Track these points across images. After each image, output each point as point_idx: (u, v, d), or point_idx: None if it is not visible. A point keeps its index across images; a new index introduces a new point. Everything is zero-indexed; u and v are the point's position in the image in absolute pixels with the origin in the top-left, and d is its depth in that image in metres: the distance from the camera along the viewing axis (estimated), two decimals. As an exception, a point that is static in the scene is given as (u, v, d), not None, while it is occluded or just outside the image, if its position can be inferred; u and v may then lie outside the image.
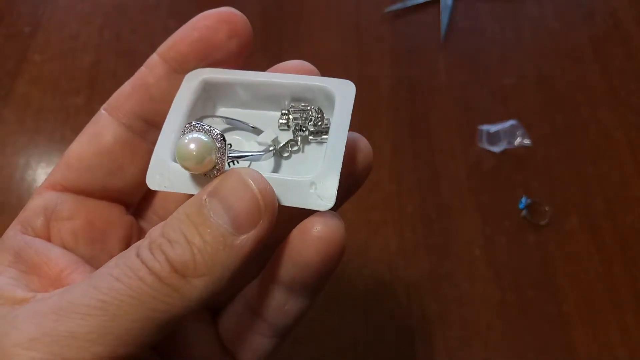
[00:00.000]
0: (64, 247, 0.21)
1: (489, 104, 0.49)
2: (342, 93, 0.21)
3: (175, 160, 0.19)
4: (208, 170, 0.18)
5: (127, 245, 0.22)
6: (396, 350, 0.39)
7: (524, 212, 0.43)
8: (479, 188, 0.45)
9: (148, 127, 0.22)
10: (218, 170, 0.18)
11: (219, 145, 0.17)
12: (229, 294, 0.23)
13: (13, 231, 0.20)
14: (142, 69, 0.21)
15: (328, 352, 0.39)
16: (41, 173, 0.46)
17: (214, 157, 0.17)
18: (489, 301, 0.40)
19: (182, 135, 0.18)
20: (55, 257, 0.20)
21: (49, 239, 0.21)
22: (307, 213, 0.19)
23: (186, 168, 0.17)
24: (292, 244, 0.19)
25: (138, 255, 0.16)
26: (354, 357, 0.38)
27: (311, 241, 0.18)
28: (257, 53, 0.50)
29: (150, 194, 0.24)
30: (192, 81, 0.21)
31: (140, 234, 0.23)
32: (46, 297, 0.17)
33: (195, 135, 0.17)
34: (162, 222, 0.17)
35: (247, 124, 0.22)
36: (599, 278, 0.41)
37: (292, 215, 0.19)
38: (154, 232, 0.17)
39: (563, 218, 0.43)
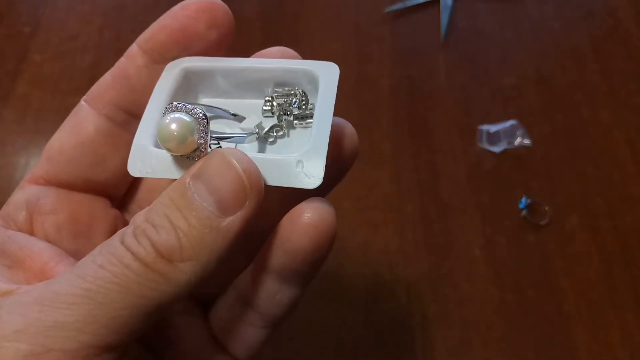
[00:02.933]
0: (48, 241, 0.20)
1: (489, 104, 0.49)
2: (325, 75, 0.20)
3: (157, 146, 0.19)
4: (190, 152, 0.17)
5: None
6: (396, 350, 0.39)
7: (524, 212, 0.43)
8: (479, 188, 0.45)
9: (129, 118, 0.21)
10: (201, 152, 0.17)
11: (201, 125, 0.17)
12: (219, 286, 0.23)
13: None
14: (122, 59, 0.21)
15: (328, 352, 0.39)
16: (41, 173, 0.46)
17: (196, 137, 0.17)
18: (489, 301, 0.40)
19: (163, 116, 0.17)
20: (39, 250, 0.19)
21: (32, 233, 0.20)
22: (297, 200, 0.18)
23: (168, 149, 0.17)
24: (282, 231, 0.18)
25: (122, 242, 0.16)
26: (354, 357, 0.38)
27: (302, 227, 0.18)
28: (257, 53, 0.50)
29: (135, 186, 0.24)
30: (173, 70, 0.20)
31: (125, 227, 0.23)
32: (30, 289, 0.17)
33: (176, 115, 0.17)
34: (146, 208, 0.17)
35: (228, 112, 0.21)
36: (599, 278, 0.41)
37: (282, 203, 0.19)
38: (138, 218, 0.17)
39: (563, 218, 0.43)
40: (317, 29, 0.53)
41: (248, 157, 0.17)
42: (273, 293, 0.20)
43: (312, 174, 0.18)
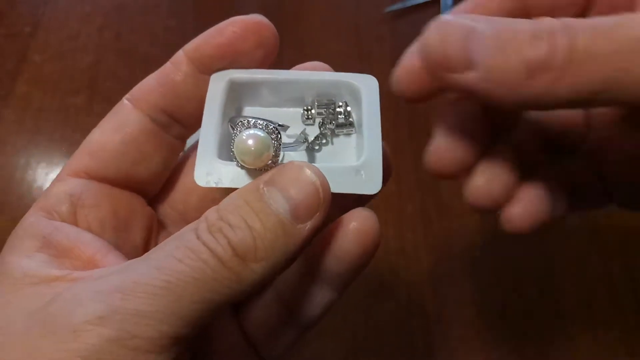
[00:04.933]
0: (91, 233, 0.21)
1: (489, 104, 0.49)
2: (367, 87, 0.22)
3: (220, 158, 0.20)
4: (264, 165, 0.19)
5: (148, 235, 0.23)
6: (396, 350, 0.39)
7: (524, 212, 0.43)
8: (479, 188, 0.45)
9: (171, 121, 0.22)
10: (273, 163, 0.19)
11: (274, 140, 0.18)
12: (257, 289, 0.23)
13: (35, 217, 0.20)
14: (168, 64, 0.22)
15: (328, 352, 0.39)
16: (41, 173, 0.46)
17: (271, 151, 0.18)
18: (489, 301, 0.40)
19: (238, 131, 0.18)
20: (87, 241, 0.20)
21: (75, 225, 0.21)
22: (340, 208, 0.20)
23: (244, 163, 0.18)
24: (332, 236, 0.20)
25: (199, 238, 0.17)
26: (354, 356, 0.38)
27: (352, 233, 0.19)
28: (257, 53, 0.50)
29: (165, 188, 0.24)
30: (220, 82, 0.21)
31: (159, 226, 0.24)
32: (101, 274, 0.17)
33: (252, 131, 0.18)
34: (215, 207, 0.18)
35: (275, 123, 0.22)
36: (599, 278, 0.41)
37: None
38: (211, 216, 0.17)
39: (563, 218, 0.43)
40: (317, 29, 0.53)
41: (319, 170, 0.18)
42: (314, 296, 0.21)
43: (372, 181, 0.20)
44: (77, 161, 0.22)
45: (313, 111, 0.22)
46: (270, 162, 0.19)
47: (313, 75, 0.22)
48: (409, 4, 0.54)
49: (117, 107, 0.22)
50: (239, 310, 0.23)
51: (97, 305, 0.16)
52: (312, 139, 0.22)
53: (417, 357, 0.38)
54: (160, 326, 0.16)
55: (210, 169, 0.20)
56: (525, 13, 0.21)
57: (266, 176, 0.18)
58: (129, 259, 0.20)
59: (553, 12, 0.20)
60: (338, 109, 0.22)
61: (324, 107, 0.22)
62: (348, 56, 0.51)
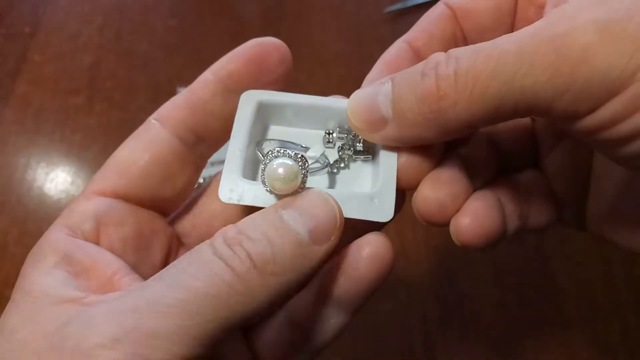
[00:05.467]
0: (112, 252, 0.21)
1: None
2: None
3: (245, 177, 0.21)
4: (294, 191, 0.19)
5: (167, 255, 0.23)
6: (396, 350, 0.39)
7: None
8: (479, 188, 0.45)
9: (197, 140, 0.23)
10: (301, 189, 0.20)
11: (303, 169, 0.19)
12: (267, 311, 0.23)
13: (59, 233, 0.20)
14: (195, 84, 0.23)
15: (328, 352, 0.39)
16: (41, 173, 0.46)
17: (299, 180, 0.19)
18: (489, 301, 0.40)
19: (269, 160, 0.20)
20: (107, 261, 0.20)
21: (97, 244, 0.21)
22: (352, 233, 0.20)
23: (274, 189, 0.19)
24: (347, 260, 0.20)
25: (214, 253, 0.17)
26: (354, 356, 0.38)
27: (368, 258, 0.20)
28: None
29: (187, 207, 0.25)
30: (249, 102, 0.23)
31: (179, 245, 0.24)
32: (115, 297, 0.17)
33: (282, 160, 0.19)
34: (233, 225, 0.18)
35: (299, 145, 0.24)
36: (599, 278, 0.41)
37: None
38: (230, 231, 0.18)
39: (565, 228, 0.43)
40: (317, 29, 0.53)
41: (335, 199, 0.19)
42: (327, 319, 0.22)
43: (384, 209, 0.20)
44: (104, 179, 0.22)
45: (334, 135, 0.23)
46: (298, 188, 0.20)
47: (335, 102, 0.23)
48: (409, 4, 0.54)
49: (145, 126, 0.23)
50: (250, 333, 0.23)
51: (111, 328, 0.16)
52: (331, 161, 0.23)
53: (417, 357, 0.38)
54: (174, 347, 0.15)
55: (233, 186, 0.21)
56: (462, 36, 0.23)
57: (285, 201, 0.19)
58: (142, 278, 0.20)
59: (482, 34, 0.22)
60: (359, 137, 0.23)
61: (345, 132, 0.23)
62: (348, 56, 0.51)
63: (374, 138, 0.21)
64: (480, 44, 0.18)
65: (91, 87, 0.50)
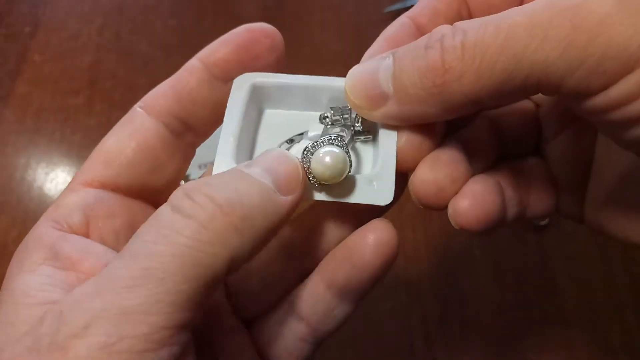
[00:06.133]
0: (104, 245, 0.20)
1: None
2: None
3: (236, 162, 0.20)
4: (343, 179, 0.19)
5: None
6: (396, 350, 0.39)
7: (524, 212, 0.43)
8: (479, 188, 0.45)
9: (184, 128, 0.22)
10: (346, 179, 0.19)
11: (348, 155, 0.19)
12: (267, 304, 0.23)
13: (45, 227, 0.19)
14: (182, 72, 0.22)
15: (328, 352, 0.39)
16: (41, 173, 0.46)
17: (347, 166, 0.19)
18: (489, 301, 0.40)
19: (308, 159, 0.19)
20: (97, 253, 0.19)
21: (87, 237, 0.20)
22: (353, 221, 0.20)
23: (323, 179, 0.19)
24: (352, 247, 0.20)
25: (173, 210, 0.16)
26: (353, 356, 0.38)
27: (373, 244, 0.20)
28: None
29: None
30: (242, 85, 0.22)
31: None
32: (85, 284, 0.16)
33: (328, 148, 0.19)
34: (187, 183, 0.17)
35: (303, 134, 0.23)
36: (599, 278, 0.41)
37: (321, 225, 0.21)
38: (187, 185, 0.17)
39: (563, 218, 0.43)
40: (317, 29, 0.53)
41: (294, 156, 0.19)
42: (331, 308, 0.21)
43: (384, 192, 0.20)
44: (90, 170, 0.21)
45: (329, 115, 0.22)
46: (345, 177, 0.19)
47: (331, 80, 0.22)
48: (409, 4, 0.54)
49: (130, 115, 0.22)
50: (253, 327, 0.23)
51: (79, 316, 0.15)
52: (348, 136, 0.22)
53: (417, 357, 0.38)
54: (149, 318, 0.14)
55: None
56: (468, 14, 0.22)
57: (249, 162, 0.18)
58: None
59: (491, 10, 0.21)
60: (357, 117, 0.22)
61: (339, 113, 0.22)
62: (348, 56, 0.51)
63: (374, 116, 0.20)
64: (489, 16, 0.17)
65: (91, 87, 0.50)
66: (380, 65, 0.19)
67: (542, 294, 0.41)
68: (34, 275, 0.18)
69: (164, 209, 0.16)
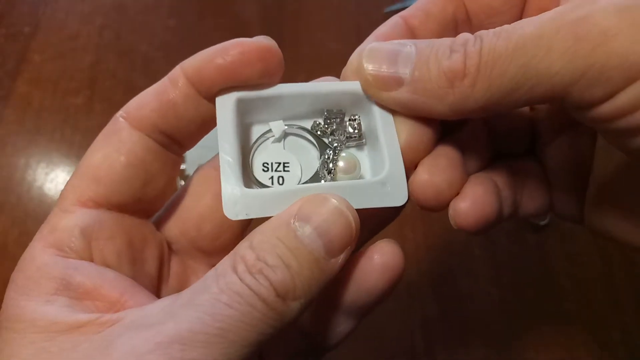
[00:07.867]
0: (107, 267, 0.20)
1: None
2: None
3: (247, 187, 0.19)
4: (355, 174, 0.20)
5: (160, 264, 0.22)
6: (396, 350, 0.39)
7: (524, 212, 0.43)
8: (479, 188, 0.45)
9: (170, 141, 0.21)
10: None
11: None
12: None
13: (48, 255, 0.19)
14: (166, 82, 0.21)
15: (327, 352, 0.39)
16: (41, 173, 0.46)
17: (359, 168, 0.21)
18: (489, 301, 0.40)
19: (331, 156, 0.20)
20: (111, 280, 0.19)
21: (90, 261, 0.19)
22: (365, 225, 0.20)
23: (347, 177, 0.20)
24: (359, 269, 0.20)
25: (242, 280, 0.17)
26: (353, 356, 0.38)
27: (379, 268, 0.20)
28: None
29: (170, 208, 0.23)
30: (227, 103, 0.20)
31: (170, 252, 0.23)
32: (143, 318, 0.17)
33: (344, 153, 0.21)
34: (248, 243, 0.18)
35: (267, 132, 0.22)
36: (599, 278, 0.41)
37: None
38: (249, 256, 0.17)
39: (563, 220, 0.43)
40: (317, 29, 0.53)
41: (345, 200, 0.18)
42: (336, 326, 0.21)
43: (398, 193, 0.20)
44: (81, 188, 0.20)
45: (321, 122, 0.22)
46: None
47: (318, 86, 0.21)
48: (408, 4, 0.54)
49: (113, 125, 0.21)
50: None
51: (159, 358, 0.16)
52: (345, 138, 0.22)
53: (417, 357, 0.38)
54: None
55: (237, 201, 0.19)
56: (466, 17, 0.22)
57: (294, 208, 0.18)
58: (148, 292, 0.19)
59: (490, 16, 0.22)
60: (350, 122, 0.21)
61: (333, 118, 0.22)
62: (348, 56, 0.51)
63: (381, 97, 0.20)
64: (504, 26, 0.18)
65: (91, 87, 0.50)
66: (401, 49, 0.19)
67: (542, 293, 0.41)
68: (53, 305, 0.18)
69: (230, 274, 0.17)
